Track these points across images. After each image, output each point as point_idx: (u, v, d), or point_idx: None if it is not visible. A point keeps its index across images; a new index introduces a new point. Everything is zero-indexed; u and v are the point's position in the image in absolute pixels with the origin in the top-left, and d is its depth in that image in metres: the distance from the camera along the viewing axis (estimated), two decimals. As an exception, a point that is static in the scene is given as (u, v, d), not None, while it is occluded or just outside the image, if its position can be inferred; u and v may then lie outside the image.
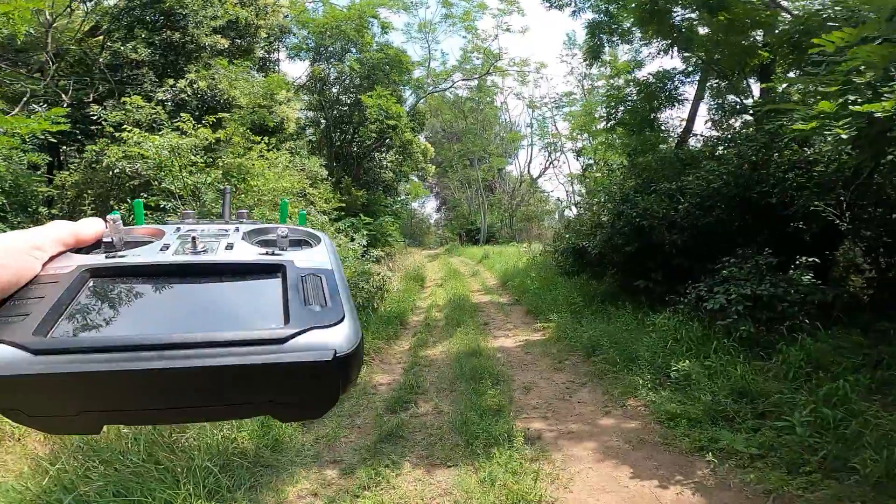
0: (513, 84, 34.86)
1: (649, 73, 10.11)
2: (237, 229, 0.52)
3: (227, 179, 7.30)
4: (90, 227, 0.45)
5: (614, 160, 13.73)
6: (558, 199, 33.60)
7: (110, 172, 7.30)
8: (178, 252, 0.44)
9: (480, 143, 33.13)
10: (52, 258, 0.41)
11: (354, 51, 18.37)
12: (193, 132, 6.66)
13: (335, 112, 18.61)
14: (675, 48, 9.56)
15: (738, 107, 9.19)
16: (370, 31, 17.97)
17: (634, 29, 11.57)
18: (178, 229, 0.50)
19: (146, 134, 6.24)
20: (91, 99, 9.19)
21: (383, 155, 18.84)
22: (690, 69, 9.90)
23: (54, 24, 11.64)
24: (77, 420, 0.33)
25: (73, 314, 0.36)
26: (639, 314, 6.37)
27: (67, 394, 0.32)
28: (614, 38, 12.17)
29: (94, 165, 7.81)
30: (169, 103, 8.67)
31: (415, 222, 39.29)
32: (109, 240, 0.45)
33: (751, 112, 7.59)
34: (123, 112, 7.92)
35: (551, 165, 36.00)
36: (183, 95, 8.94)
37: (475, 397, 4.84)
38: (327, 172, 10.66)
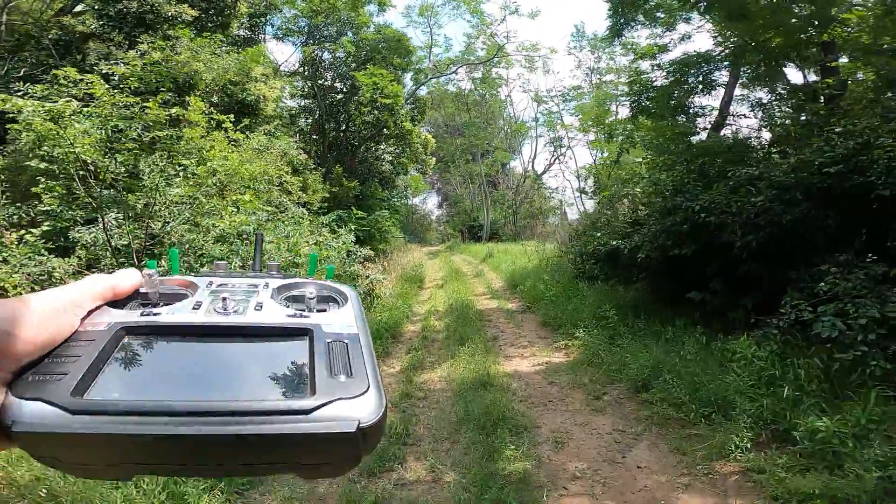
0: (519, 74, 33.67)
1: (681, 56, 8.81)
2: (266, 285, 0.52)
3: (175, 159, 5.90)
4: (127, 280, 0.47)
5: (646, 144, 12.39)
6: (576, 190, 32.07)
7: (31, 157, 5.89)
8: (210, 312, 0.45)
9: (484, 136, 31.71)
10: (89, 312, 0.42)
11: (350, 34, 16.91)
12: (103, 90, 5.15)
13: (329, 100, 17.17)
14: (727, 20, 8.10)
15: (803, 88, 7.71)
16: (366, 8, 16.50)
17: (661, 7, 10.25)
18: (210, 283, 0.51)
19: (18, 101, 4.74)
20: (21, 74, 7.77)
21: (381, 146, 17.39)
22: (728, 50, 8.50)
23: (11, 3, 10.36)
24: (109, 469, 0.37)
25: (109, 373, 0.38)
26: (697, 335, 4.95)
27: (101, 449, 0.34)
28: (637, 17, 10.79)
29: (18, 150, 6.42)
30: (115, 78, 7.25)
31: (416, 218, 38.86)
32: (146, 292, 0.47)
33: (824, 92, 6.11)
34: (57, 87, 6.51)
35: (557, 161, 34.59)
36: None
37: (487, 461, 3.45)
38: (306, 156, 9.17)
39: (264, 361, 0.42)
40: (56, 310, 0.39)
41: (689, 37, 10.79)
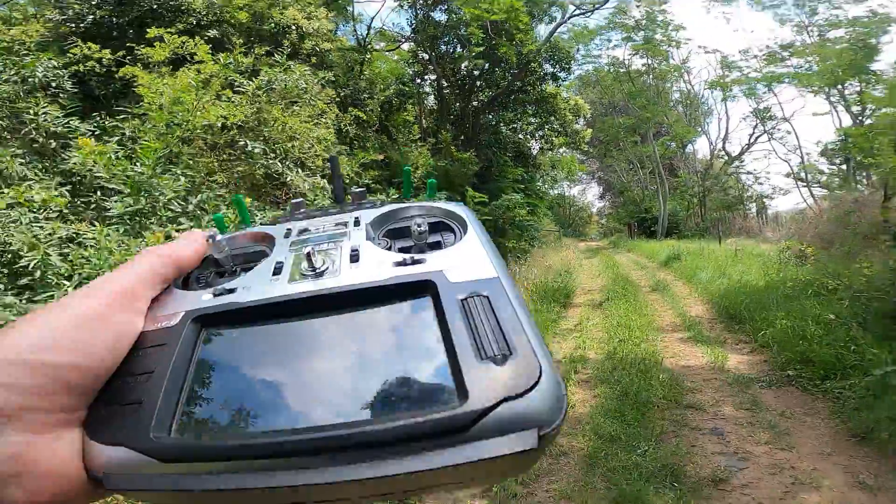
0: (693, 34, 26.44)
1: None
2: (357, 221, 0.40)
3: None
4: (190, 246, 0.36)
5: None
6: (796, 177, 23.86)
7: None
8: (295, 277, 0.34)
9: (655, 109, 24.95)
10: (153, 301, 0.33)
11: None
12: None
13: (450, 68, 13.72)
14: None
15: None
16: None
17: None
18: (289, 232, 0.40)
19: None
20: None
21: (516, 115, 13.35)
22: None
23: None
24: None
25: (195, 391, 0.28)
26: None
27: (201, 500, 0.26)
28: None
29: None
30: None
31: (574, 210, 35.85)
32: (216, 258, 0.37)
33: None
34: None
35: (769, 137, 26.18)
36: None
37: None
38: (337, 97, 5.78)
39: (379, 345, 0.30)
40: (104, 310, 0.29)
41: None
